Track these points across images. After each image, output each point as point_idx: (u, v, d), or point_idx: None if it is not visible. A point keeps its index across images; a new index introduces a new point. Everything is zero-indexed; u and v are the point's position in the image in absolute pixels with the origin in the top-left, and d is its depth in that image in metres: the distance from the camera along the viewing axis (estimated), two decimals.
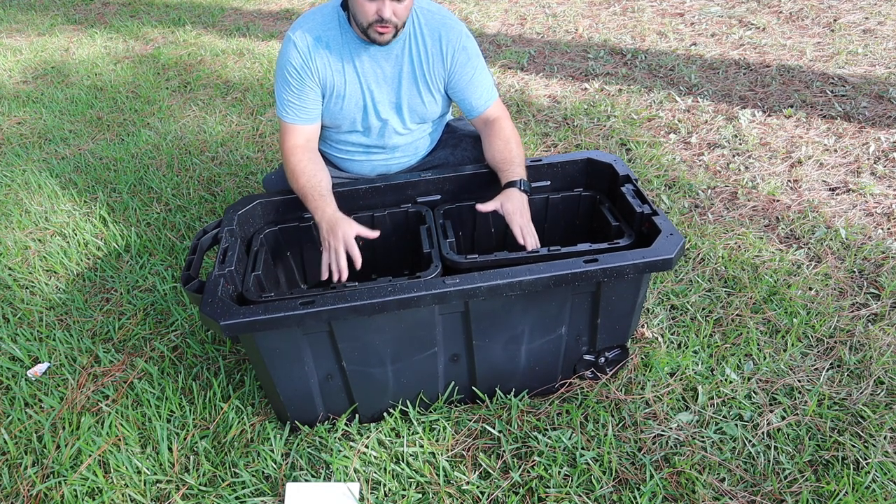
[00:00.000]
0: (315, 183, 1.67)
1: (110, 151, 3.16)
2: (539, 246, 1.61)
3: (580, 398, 1.65)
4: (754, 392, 1.64)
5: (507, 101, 3.32)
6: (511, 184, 1.67)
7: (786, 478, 1.44)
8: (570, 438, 1.54)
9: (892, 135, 2.69)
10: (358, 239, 1.59)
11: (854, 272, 2.01)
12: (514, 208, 1.63)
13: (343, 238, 1.56)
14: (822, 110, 2.94)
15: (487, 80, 1.80)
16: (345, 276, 1.56)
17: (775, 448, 1.50)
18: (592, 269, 1.37)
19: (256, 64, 4.14)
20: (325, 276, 1.59)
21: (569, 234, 1.86)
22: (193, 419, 1.68)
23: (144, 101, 3.74)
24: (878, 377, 1.66)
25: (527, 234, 1.62)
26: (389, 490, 1.47)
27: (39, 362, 1.92)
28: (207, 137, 3.23)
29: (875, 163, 2.53)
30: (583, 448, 1.52)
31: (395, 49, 1.70)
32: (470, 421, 1.61)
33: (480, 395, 1.64)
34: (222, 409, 1.69)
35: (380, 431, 1.60)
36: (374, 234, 1.62)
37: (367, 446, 1.56)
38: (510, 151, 1.73)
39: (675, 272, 2.05)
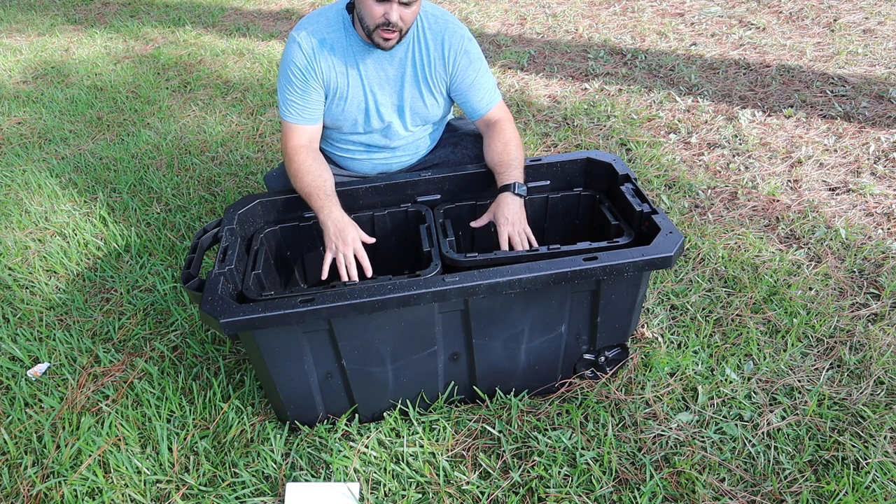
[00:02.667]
0: (321, 183, 1.67)
1: (110, 151, 3.16)
2: (529, 249, 1.61)
3: (580, 398, 1.65)
4: (754, 392, 1.64)
5: (507, 101, 3.32)
6: (505, 188, 1.67)
7: (786, 478, 1.44)
8: (570, 438, 1.54)
9: (892, 135, 2.69)
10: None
11: (854, 272, 2.01)
12: (506, 217, 1.62)
13: (353, 244, 1.58)
14: (822, 110, 2.94)
15: (490, 83, 1.81)
16: (354, 279, 1.57)
17: (775, 448, 1.50)
18: (592, 267, 1.37)
19: (256, 64, 4.14)
20: (324, 276, 1.59)
21: (569, 233, 1.86)
22: (193, 419, 1.68)
23: (144, 101, 3.74)
24: (878, 377, 1.66)
25: (515, 242, 1.61)
26: (389, 490, 1.47)
27: (39, 362, 1.92)
28: (207, 137, 3.23)
29: (875, 163, 2.53)
30: (583, 448, 1.52)
31: (398, 52, 1.71)
32: (470, 421, 1.61)
33: (480, 394, 1.64)
34: (222, 409, 1.69)
35: (380, 431, 1.59)
36: (371, 239, 1.65)
37: (367, 446, 1.56)
38: (508, 154, 1.72)
39: (675, 272, 2.05)
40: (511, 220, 1.62)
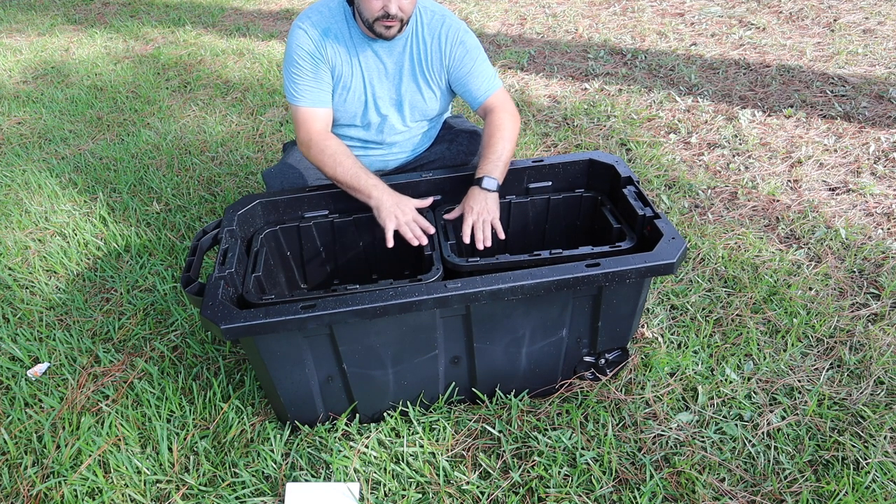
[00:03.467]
0: (360, 163, 1.69)
1: (110, 151, 3.16)
2: (490, 245, 1.61)
3: (580, 398, 1.65)
4: (754, 392, 1.64)
5: None
6: (477, 181, 1.67)
7: (786, 478, 1.44)
8: (570, 438, 1.54)
9: (892, 135, 2.69)
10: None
11: (854, 272, 2.01)
12: (470, 207, 1.63)
13: (411, 213, 1.63)
14: (822, 110, 2.94)
15: (488, 72, 1.80)
16: (424, 241, 1.60)
17: (775, 448, 1.50)
18: (594, 274, 1.36)
19: (256, 64, 4.14)
20: (390, 244, 1.61)
21: (570, 234, 1.86)
22: (193, 419, 1.68)
23: (144, 101, 3.74)
24: (878, 377, 1.66)
25: (477, 229, 1.61)
26: (389, 490, 1.47)
27: (39, 362, 1.92)
28: (207, 137, 3.23)
29: (875, 163, 2.53)
30: (583, 448, 1.52)
31: (397, 46, 1.72)
32: (470, 421, 1.61)
33: (480, 395, 1.64)
34: (222, 409, 1.69)
35: (380, 431, 1.60)
36: (427, 202, 1.71)
37: (367, 446, 1.56)
38: (489, 146, 1.71)
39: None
40: (476, 211, 1.62)
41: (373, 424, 1.63)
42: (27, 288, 2.26)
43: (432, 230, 1.63)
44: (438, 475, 1.49)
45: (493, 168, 1.67)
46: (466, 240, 1.61)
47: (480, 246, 1.61)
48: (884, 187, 2.38)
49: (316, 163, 1.73)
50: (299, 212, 1.76)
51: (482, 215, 1.62)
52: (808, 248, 2.12)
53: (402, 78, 1.76)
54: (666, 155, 2.70)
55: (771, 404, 1.61)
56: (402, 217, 1.61)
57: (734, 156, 2.67)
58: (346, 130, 1.86)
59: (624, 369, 1.70)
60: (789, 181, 2.48)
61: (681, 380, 1.68)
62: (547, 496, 1.43)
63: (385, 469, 1.51)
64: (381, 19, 1.57)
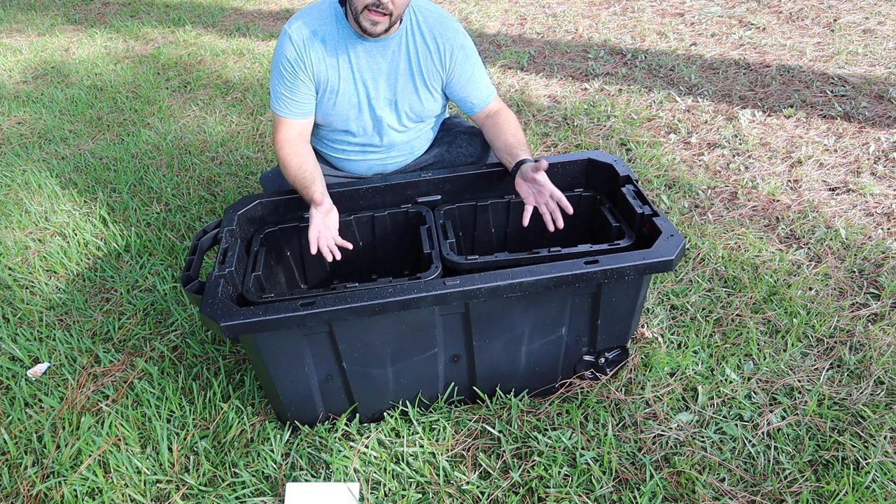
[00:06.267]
0: (301, 175, 1.70)
1: (110, 151, 3.16)
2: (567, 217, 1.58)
3: (580, 398, 1.65)
4: (754, 392, 1.64)
5: (506, 101, 3.32)
6: (523, 161, 1.64)
7: (786, 478, 1.44)
8: (570, 438, 1.54)
9: (892, 135, 2.69)
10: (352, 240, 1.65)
11: (854, 272, 2.01)
12: (537, 167, 1.58)
13: (332, 233, 1.62)
14: (822, 110, 2.94)
15: (486, 77, 1.82)
16: (337, 256, 1.60)
17: (775, 448, 1.50)
18: (593, 271, 1.37)
19: (256, 64, 4.14)
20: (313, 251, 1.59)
21: (569, 234, 1.85)
22: (193, 419, 1.68)
23: (144, 101, 3.74)
24: (878, 377, 1.66)
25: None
26: (389, 490, 1.47)
27: (39, 362, 1.92)
28: (207, 137, 3.23)
29: (875, 163, 2.53)
30: (583, 448, 1.52)
31: (391, 45, 1.71)
32: (470, 421, 1.61)
33: (480, 394, 1.64)
34: (222, 409, 1.69)
35: (380, 431, 1.60)
36: (349, 245, 1.65)
37: (367, 446, 1.56)
38: (519, 137, 1.76)
39: (674, 272, 2.05)
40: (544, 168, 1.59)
41: (373, 424, 1.63)
42: (27, 288, 2.26)
43: (339, 255, 1.60)
44: (438, 475, 1.49)
45: (530, 156, 1.69)
46: (548, 183, 1.56)
47: (570, 210, 1.56)
48: (884, 187, 2.38)
49: (279, 163, 1.78)
50: (299, 212, 1.76)
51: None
52: (808, 248, 2.12)
53: (397, 78, 1.75)
54: (666, 155, 2.70)
55: (771, 404, 1.61)
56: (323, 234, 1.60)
57: (734, 156, 2.67)
58: (342, 136, 1.85)
59: (624, 369, 1.70)
60: (789, 181, 2.48)
61: (681, 380, 1.68)
62: (547, 496, 1.43)
63: (385, 469, 1.51)
64: (371, 8, 1.54)
